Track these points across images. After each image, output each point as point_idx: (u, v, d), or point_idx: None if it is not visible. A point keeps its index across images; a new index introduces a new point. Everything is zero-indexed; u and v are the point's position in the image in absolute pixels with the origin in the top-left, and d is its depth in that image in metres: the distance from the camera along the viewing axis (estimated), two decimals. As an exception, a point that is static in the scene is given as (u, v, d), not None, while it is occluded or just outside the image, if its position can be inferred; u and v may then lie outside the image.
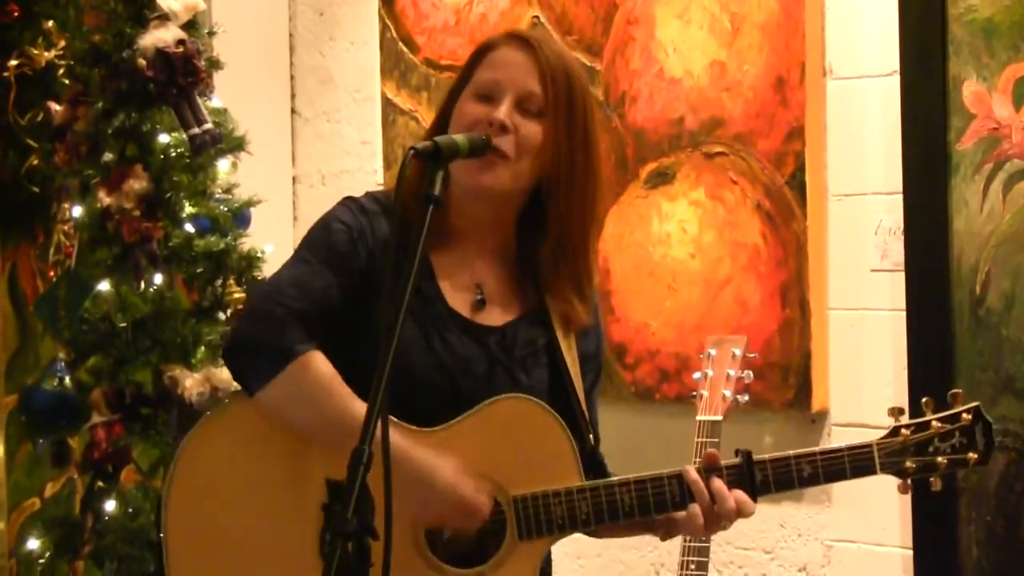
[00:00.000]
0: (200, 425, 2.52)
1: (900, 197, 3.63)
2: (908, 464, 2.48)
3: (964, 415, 2.51)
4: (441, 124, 2.55)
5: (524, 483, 2.43)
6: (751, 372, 3.34)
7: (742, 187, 3.88)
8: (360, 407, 2.33)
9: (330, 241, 2.53)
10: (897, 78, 3.63)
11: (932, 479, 2.50)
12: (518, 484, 2.43)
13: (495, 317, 2.54)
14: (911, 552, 3.65)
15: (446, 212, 2.50)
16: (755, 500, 2.47)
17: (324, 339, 2.47)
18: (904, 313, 3.62)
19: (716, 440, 3.37)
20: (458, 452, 2.42)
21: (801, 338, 3.78)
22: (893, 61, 3.64)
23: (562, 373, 2.55)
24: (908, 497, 3.60)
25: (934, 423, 2.50)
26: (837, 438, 3.78)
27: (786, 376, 3.79)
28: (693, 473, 2.45)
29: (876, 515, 3.73)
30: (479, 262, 2.55)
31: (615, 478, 2.46)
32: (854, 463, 2.48)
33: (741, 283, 3.88)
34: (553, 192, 2.50)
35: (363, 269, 2.48)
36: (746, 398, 3.31)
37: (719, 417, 3.24)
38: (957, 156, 3.54)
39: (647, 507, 2.45)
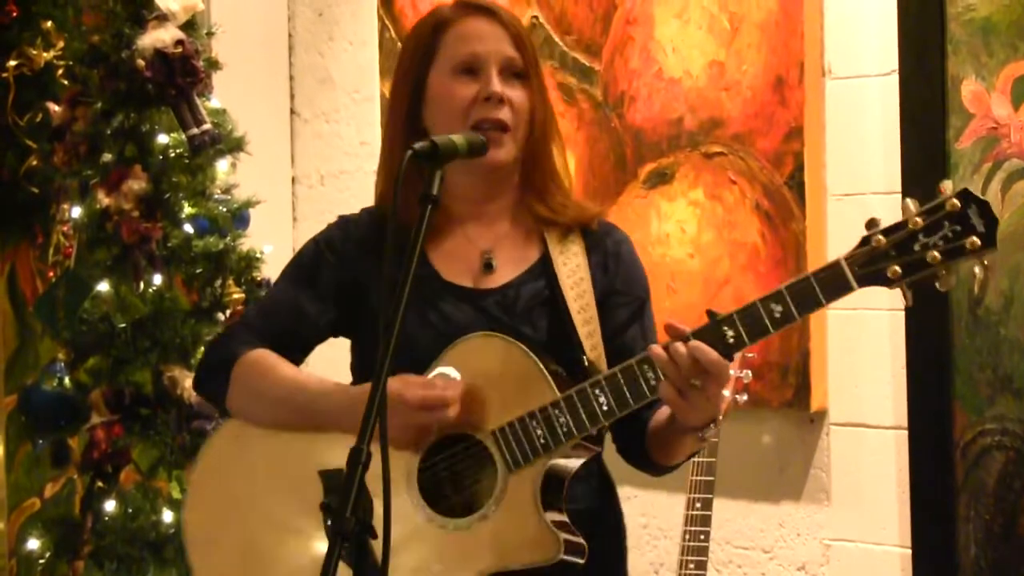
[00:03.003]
0: (221, 428, 2.61)
1: (899, 197, 3.63)
2: (892, 268, 2.21)
3: (951, 202, 2.19)
4: (411, 107, 2.57)
5: (500, 415, 2.41)
6: (750, 372, 3.34)
7: (741, 187, 3.88)
8: (315, 382, 2.48)
9: (296, 260, 2.65)
10: (896, 77, 3.63)
11: (937, 280, 2.22)
12: (495, 419, 2.41)
13: (497, 279, 2.55)
14: (910, 551, 3.65)
15: (443, 198, 2.52)
16: (729, 357, 2.29)
17: (303, 349, 2.61)
18: (903, 312, 3.62)
19: (715, 440, 3.38)
20: None
21: (800, 338, 3.78)
22: (892, 60, 3.64)
23: (564, 318, 2.51)
24: (907, 496, 3.62)
25: (913, 220, 2.21)
26: (836, 438, 3.78)
27: (785, 375, 3.79)
28: (657, 347, 2.33)
29: (875, 514, 3.73)
30: (482, 233, 2.57)
31: (588, 380, 2.38)
32: (826, 285, 2.24)
33: (740, 283, 3.88)
34: (533, 140, 2.55)
35: (337, 276, 2.57)
36: (745, 397, 3.31)
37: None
38: (956, 155, 3.54)
39: (624, 400, 2.35)
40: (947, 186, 2.21)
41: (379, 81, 4.67)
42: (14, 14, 4.36)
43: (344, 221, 2.65)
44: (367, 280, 2.56)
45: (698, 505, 3.34)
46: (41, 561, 4.02)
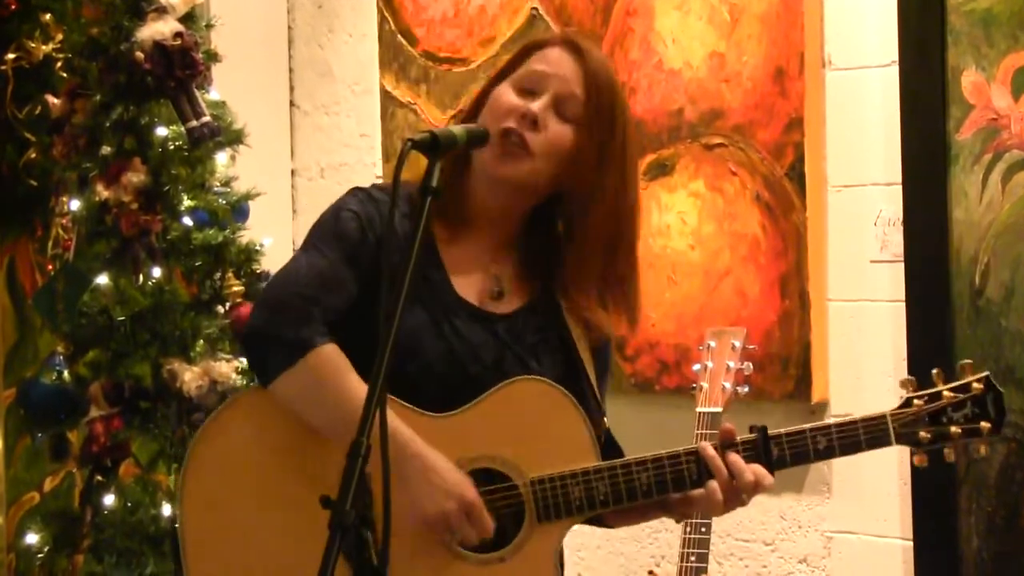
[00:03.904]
0: (215, 415, 2.54)
1: (899, 188, 3.63)
2: (922, 434, 2.47)
3: (975, 384, 2.49)
4: (474, 110, 2.53)
5: (541, 465, 2.42)
6: (751, 363, 3.34)
7: (741, 178, 3.87)
8: (362, 393, 2.32)
9: (342, 230, 2.52)
10: (896, 68, 3.62)
11: (946, 450, 2.48)
12: (535, 466, 2.42)
13: (505, 306, 2.53)
14: (911, 543, 3.65)
15: (464, 200, 2.51)
16: (772, 474, 2.46)
17: (342, 330, 2.47)
18: (904, 304, 3.61)
19: (716, 432, 3.38)
20: (472, 437, 2.42)
21: (801, 329, 3.77)
22: (892, 51, 3.63)
23: (575, 361, 2.53)
24: (908, 488, 3.62)
25: (946, 393, 2.48)
26: (837, 429, 3.78)
27: (786, 367, 3.79)
28: (710, 449, 2.44)
29: (876, 506, 3.73)
30: (493, 253, 2.54)
31: (631, 457, 2.46)
32: (869, 435, 2.48)
33: (741, 274, 3.88)
34: (575, 203, 2.48)
35: (374, 257, 2.47)
36: (746, 389, 3.30)
37: (719, 408, 3.24)
38: (956, 146, 3.53)
39: (665, 485, 2.44)
40: (969, 366, 2.52)
41: (379, 73, 4.67)
42: (13, 7, 4.36)
43: (368, 196, 2.55)
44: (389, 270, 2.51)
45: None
46: (40, 555, 4.00)
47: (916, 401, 2.49)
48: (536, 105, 2.44)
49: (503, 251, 2.54)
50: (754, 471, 2.43)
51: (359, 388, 2.36)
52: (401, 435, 2.35)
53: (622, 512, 2.52)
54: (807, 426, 2.47)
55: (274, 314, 2.46)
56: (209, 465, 2.52)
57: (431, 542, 2.40)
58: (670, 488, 2.44)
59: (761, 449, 2.45)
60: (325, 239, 2.53)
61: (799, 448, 2.46)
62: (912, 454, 2.50)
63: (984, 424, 2.48)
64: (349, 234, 2.51)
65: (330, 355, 2.42)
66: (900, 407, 2.49)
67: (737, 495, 2.44)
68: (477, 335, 2.49)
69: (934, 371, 2.50)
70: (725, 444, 2.45)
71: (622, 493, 2.42)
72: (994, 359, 3.48)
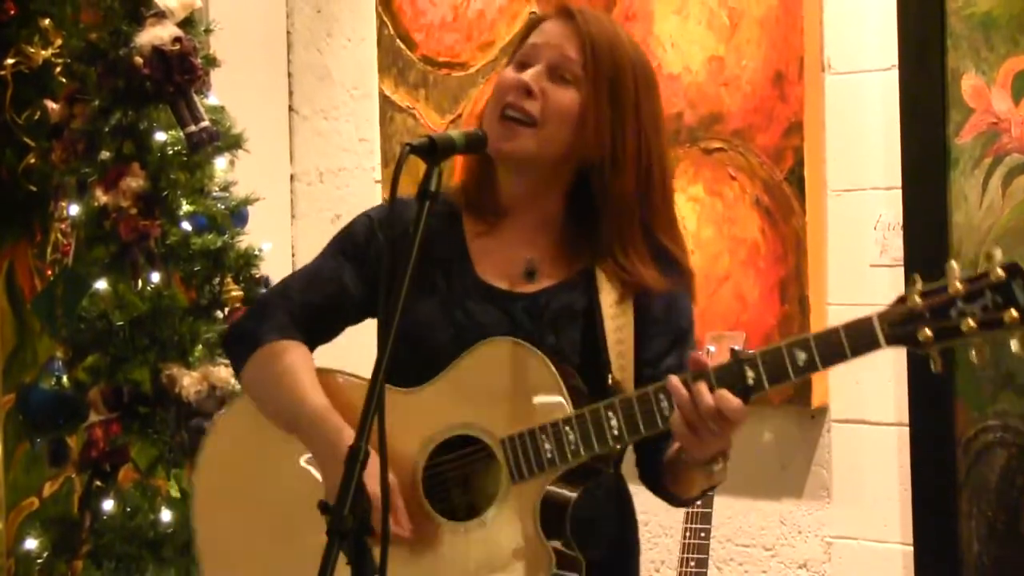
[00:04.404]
0: (226, 408, 2.64)
1: (899, 192, 3.62)
2: (924, 331, 2.12)
3: (996, 272, 2.08)
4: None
5: (512, 424, 2.37)
6: (750, 369, 3.33)
7: (741, 183, 3.87)
8: (315, 399, 2.43)
9: (349, 231, 2.58)
10: (896, 72, 3.62)
11: (972, 350, 2.13)
12: (507, 426, 2.37)
13: (534, 286, 2.50)
14: (912, 548, 3.64)
15: (495, 194, 2.51)
16: (747, 400, 2.23)
17: (337, 326, 2.55)
18: (904, 308, 3.60)
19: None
20: (444, 407, 2.41)
21: (800, 333, 3.76)
22: (892, 55, 3.63)
23: (597, 334, 2.46)
24: (909, 493, 3.61)
25: (954, 285, 2.10)
26: (837, 434, 3.78)
27: (786, 372, 3.78)
28: (675, 379, 2.25)
29: (877, 511, 3.72)
30: (528, 239, 2.51)
31: (603, 402, 2.33)
32: (854, 339, 2.19)
33: (740, 279, 3.87)
34: (600, 170, 2.43)
35: (381, 255, 2.48)
36: (745, 394, 3.29)
37: (718, 413, 3.22)
38: (956, 150, 3.53)
39: (635, 426, 2.30)
40: (997, 254, 2.10)
41: (378, 78, 4.66)
42: (12, 12, 4.36)
43: (400, 202, 2.59)
44: (406, 267, 2.52)
45: (699, 503, 3.33)
46: (39, 560, 4.00)
47: (914, 298, 2.13)
48: (528, 74, 2.42)
49: (540, 235, 2.51)
50: (718, 396, 2.21)
51: (306, 384, 2.46)
52: (329, 431, 2.40)
53: (669, 475, 2.43)
54: (783, 342, 2.23)
55: (248, 313, 2.65)
56: (216, 461, 2.59)
57: (414, 514, 2.39)
58: (642, 428, 2.30)
59: (735, 374, 2.23)
60: (332, 243, 2.59)
61: (776, 365, 2.22)
62: (930, 361, 2.16)
63: (1011, 313, 2.06)
64: (354, 234, 2.56)
65: (280, 349, 2.49)
66: (892, 304, 2.16)
67: (704, 425, 2.22)
68: (489, 315, 2.47)
69: (948, 263, 2.13)
70: (695, 374, 2.24)
71: (592, 440, 2.32)
72: (994, 364, 3.48)
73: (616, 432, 2.31)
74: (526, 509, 2.36)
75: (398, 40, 4.61)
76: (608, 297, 2.46)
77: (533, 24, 2.52)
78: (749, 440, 3.84)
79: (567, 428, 2.33)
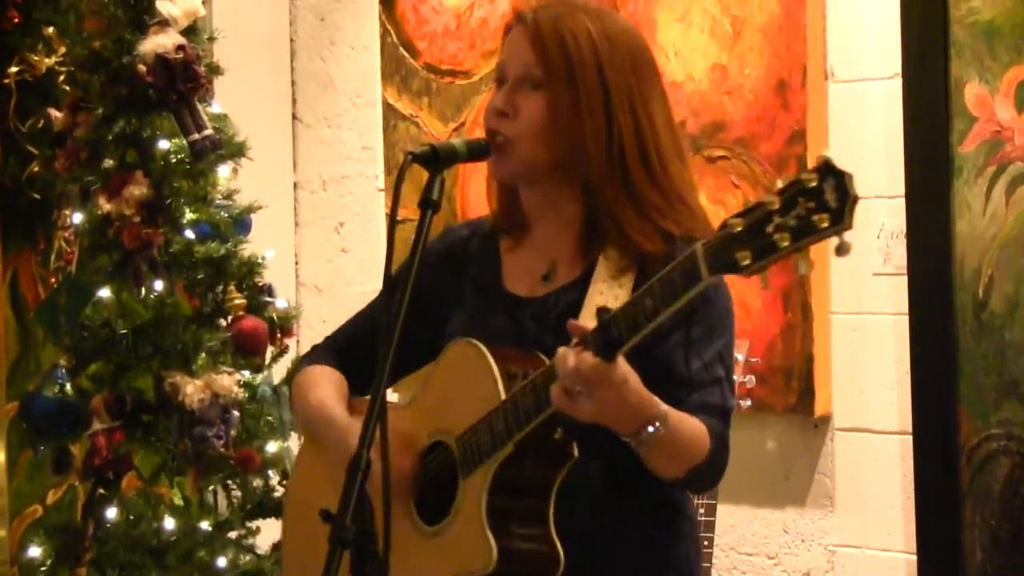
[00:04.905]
0: None
1: (902, 200, 3.62)
2: (743, 254, 1.97)
3: (805, 177, 1.94)
4: None
5: (463, 423, 2.38)
6: (753, 377, 3.33)
7: (744, 191, 3.87)
8: (323, 401, 2.56)
9: (393, 272, 2.58)
10: (899, 81, 3.62)
11: (800, 263, 2.04)
12: (459, 426, 2.38)
13: (548, 288, 2.50)
14: (915, 557, 3.64)
15: (518, 209, 2.53)
16: (611, 359, 2.14)
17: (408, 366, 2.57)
18: (907, 317, 3.61)
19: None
20: (426, 414, 2.46)
21: (803, 342, 3.76)
22: (895, 64, 3.63)
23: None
24: (912, 501, 3.61)
25: (768, 200, 1.96)
26: (840, 443, 3.77)
27: (789, 380, 3.78)
28: (562, 349, 2.19)
29: (880, 520, 3.72)
30: (551, 241, 2.52)
31: (521, 383, 2.30)
32: (684, 275, 2.07)
33: (743, 287, 3.86)
34: (588, 157, 2.41)
35: (420, 286, 2.37)
36: (749, 403, 3.30)
37: (721, 422, 3.22)
38: (959, 159, 3.53)
39: (540, 402, 2.25)
40: (820, 158, 1.96)
41: (381, 86, 4.67)
42: (16, 20, 4.36)
43: (444, 231, 2.61)
44: (444, 293, 2.56)
45: (701, 511, 3.33)
46: (43, 568, 4.00)
47: (731, 221, 1.99)
48: (499, 95, 2.44)
49: (561, 237, 2.50)
50: (576, 356, 2.15)
51: (322, 395, 2.59)
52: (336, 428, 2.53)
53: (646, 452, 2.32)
54: (636, 293, 2.17)
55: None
56: (301, 463, 2.80)
57: (403, 522, 2.42)
58: (544, 403, 2.24)
59: (603, 332, 2.15)
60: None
61: (630, 317, 2.13)
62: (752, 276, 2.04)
63: (819, 217, 1.93)
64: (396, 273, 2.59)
65: (308, 373, 2.65)
66: (716, 231, 2.02)
67: (572, 388, 2.17)
68: (500, 323, 2.49)
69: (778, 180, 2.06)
70: (573, 337, 2.19)
71: (511, 423, 2.29)
72: (997, 372, 3.48)
73: (534, 409, 2.27)
74: (473, 504, 2.35)
75: (401, 48, 4.61)
76: (601, 276, 2.42)
77: (504, 36, 2.52)
78: (752, 449, 3.84)
79: (496, 417, 2.31)
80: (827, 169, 1.94)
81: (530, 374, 2.32)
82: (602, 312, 2.16)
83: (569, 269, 2.49)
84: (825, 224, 1.93)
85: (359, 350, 2.60)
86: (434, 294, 2.54)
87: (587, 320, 2.26)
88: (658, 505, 2.45)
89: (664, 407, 2.25)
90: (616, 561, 2.41)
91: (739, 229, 1.98)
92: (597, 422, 2.21)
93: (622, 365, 2.17)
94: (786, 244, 1.94)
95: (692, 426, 2.32)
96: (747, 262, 1.98)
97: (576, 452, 2.34)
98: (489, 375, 2.35)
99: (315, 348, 2.74)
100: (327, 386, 2.60)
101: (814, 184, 1.94)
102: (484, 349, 2.37)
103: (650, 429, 2.22)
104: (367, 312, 2.68)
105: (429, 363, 2.56)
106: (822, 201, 1.94)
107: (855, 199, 1.96)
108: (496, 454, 2.32)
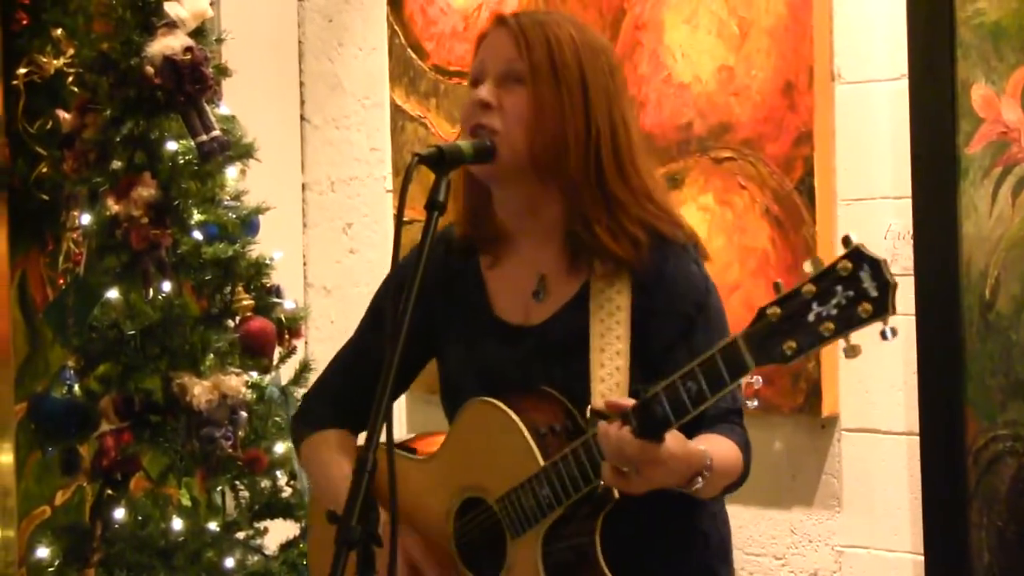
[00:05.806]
0: None
1: (909, 201, 3.62)
2: (787, 346, 2.04)
3: (841, 265, 1.99)
4: None
5: (503, 483, 2.42)
6: (760, 377, 3.31)
7: (751, 192, 3.87)
8: (327, 471, 2.64)
9: (374, 301, 2.72)
10: (905, 82, 3.61)
11: (844, 349, 2.03)
12: (499, 485, 2.42)
13: (545, 310, 2.51)
14: (922, 558, 3.64)
15: (493, 221, 2.55)
16: (660, 438, 2.19)
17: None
18: (913, 317, 3.61)
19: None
20: (452, 471, 2.50)
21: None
22: (901, 65, 3.63)
23: (583, 330, 2.46)
24: (919, 502, 3.61)
25: (806, 288, 2.02)
26: (847, 443, 3.77)
27: (796, 381, 3.78)
28: (602, 426, 2.24)
29: (887, 520, 3.72)
30: (535, 252, 2.53)
31: (560, 454, 2.34)
32: (729, 365, 2.13)
33: (750, 288, 3.87)
34: (565, 157, 2.44)
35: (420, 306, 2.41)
36: (755, 403, 3.26)
37: (728, 423, 3.22)
38: (966, 160, 3.52)
39: (587, 474, 2.31)
40: (850, 244, 2.02)
41: (389, 87, 4.67)
42: (24, 22, 4.38)
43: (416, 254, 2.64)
44: (432, 317, 2.60)
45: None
46: (51, 569, 4.01)
47: (769, 311, 2.05)
48: (481, 90, 2.46)
49: (546, 246, 2.52)
50: (619, 437, 2.20)
51: (329, 468, 2.64)
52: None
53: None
54: (676, 375, 2.19)
55: (293, 419, 2.85)
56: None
57: (448, 565, 2.49)
58: (592, 475, 2.29)
59: (646, 411, 2.20)
60: (365, 313, 2.74)
61: (676, 400, 2.17)
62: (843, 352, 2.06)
63: (864, 307, 1.98)
64: (379, 300, 2.69)
65: (312, 444, 2.70)
66: (753, 323, 2.08)
67: (621, 468, 2.23)
68: (505, 356, 2.51)
69: (806, 263, 2.05)
70: (613, 416, 2.24)
71: (559, 492, 2.34)
72: (1004, 373, 3.48)
73: (581, 479, 2.32)
74: (530, 561, 2.40)
75: (409, 50, 4.61)
76: (598, 313, 2.45)
77: (478, 43, 2.55)
78: (759, 449, 3.80)
79: (538, 484, 2.36)
80: (860, 256, 1.99)
81: (555, 427, 2.40)
82: (643, 395, 2.20)
83: (560, 285, 2.51)
84: (868, 313, 1.98)
85: (352, 393, 2.64)
86: (427, 317, 2.57)
87: (597, 364, 2.39)
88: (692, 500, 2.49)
89: (707, 452, 2.32)
90: (655, 547, 2.48)
91: (779, 319, 2.04)
92: (632, 491, 2.27)
93: (666, 439, 2.22)
94: (832, 333, 2.00)
95: (729, 452, 2.42)
96: (791, 352, 2.05)
97: (617, 495, 2.38)
98: (518, 435, 2.40)
99: (308, 401, 2.78)
100: (338, 458, 2.65)
101: (848, 271, 1.99)
102: (504, 408, 2.41)
103: (700, 481, 2.30)
104: (352, 346, 2.72)
105: (429, 360, 2.64)
106: (861, 290, 1.98)
107: (895, 286, 1.99)
108: (546, 519, 2.38)
